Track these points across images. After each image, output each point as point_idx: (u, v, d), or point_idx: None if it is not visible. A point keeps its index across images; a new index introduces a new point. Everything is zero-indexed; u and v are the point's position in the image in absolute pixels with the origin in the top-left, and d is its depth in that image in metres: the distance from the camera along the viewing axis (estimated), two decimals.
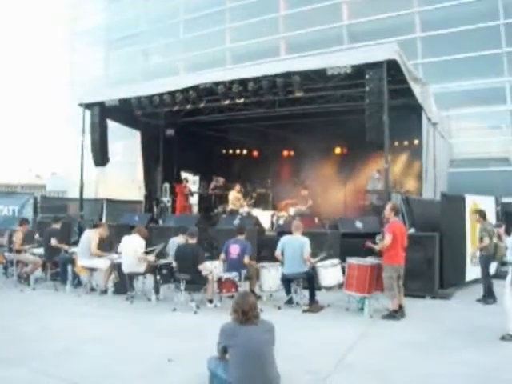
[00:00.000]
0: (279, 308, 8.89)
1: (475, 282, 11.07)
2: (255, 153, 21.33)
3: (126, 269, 9.71)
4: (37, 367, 5.82)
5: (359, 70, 11.21)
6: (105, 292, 10.19)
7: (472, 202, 11.39)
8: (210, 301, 9.05)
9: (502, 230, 10.11)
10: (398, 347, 6.69)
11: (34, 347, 6.58)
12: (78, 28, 44.50)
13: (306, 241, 9.12)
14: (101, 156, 15.25)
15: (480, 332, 7.40)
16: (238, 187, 16.47)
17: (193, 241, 9.33)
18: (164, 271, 9.50)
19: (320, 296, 9.16)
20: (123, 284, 9.96)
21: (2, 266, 11.84)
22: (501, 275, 8.92)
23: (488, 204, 12.11)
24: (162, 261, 9.89)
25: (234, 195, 16.23)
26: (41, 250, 11.61)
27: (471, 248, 10.83)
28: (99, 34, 42.64)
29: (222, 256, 9.71)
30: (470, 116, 27.85)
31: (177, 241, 10.07)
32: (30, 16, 78.92)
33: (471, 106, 27.14)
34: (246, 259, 9.35)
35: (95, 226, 11.05)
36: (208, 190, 18.41)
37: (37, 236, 12.55)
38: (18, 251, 11.33)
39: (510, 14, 25.71)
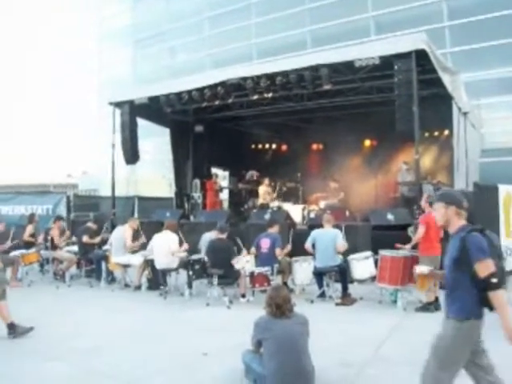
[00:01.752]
0: (312, 302, 8.89)
1: (510, 273, 10.88)
2: (284, 147, 21.25)
3: (158, 265, 9.83)
4: (74, 361, 5.93)
5: (387, 61, 11.09)
6: (139, 288, 10.36)
7: (505, 191, 11.20)
8: (243, 295, 9.09)
9: None
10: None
11: (72, 342, 6.69)
12: (105, 29, 45.10)
13: (338, 232, 9.14)
14: (131, 154, 15.39)
15: None
16: (267, 181, 16.51)
17: (223, 236, 9.40)
18: (196, 266, 9.55)
19: (352, 289, 9.15)
20: (156, 280, 10.12)
21: (38, 263, 12.07)
22: None
23: None
24: (195, 256, 9.97)
25: (263, 189, 16.28)
26: (75, 248, 11.84)
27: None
28: (126, 33, 43.11)
29: (253, 250, 9.75)
30: (501, 105, 27.33)
31: (209, 236, 10.15)
32: (57, 19, 79.95)
33: (501, 95, 26.64)
34: (278, 251, 9.38)
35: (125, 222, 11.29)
36: (240, 184, 18.45)
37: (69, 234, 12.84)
38: (55, 247, 11.57)
39: None
